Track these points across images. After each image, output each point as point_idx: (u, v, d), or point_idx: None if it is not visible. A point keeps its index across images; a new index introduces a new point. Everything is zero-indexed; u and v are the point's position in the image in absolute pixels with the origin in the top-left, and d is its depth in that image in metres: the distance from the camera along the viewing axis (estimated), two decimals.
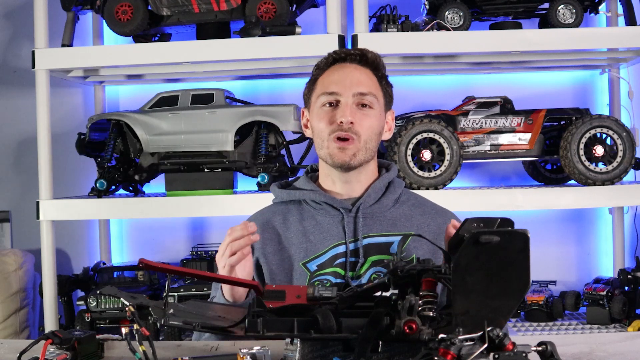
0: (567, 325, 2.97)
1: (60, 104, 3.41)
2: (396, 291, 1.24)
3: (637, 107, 3.23)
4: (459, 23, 2.82)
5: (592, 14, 2.94)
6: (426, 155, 2.78)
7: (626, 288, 2.97)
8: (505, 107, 2.88)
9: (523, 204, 2.81)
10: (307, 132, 1.99)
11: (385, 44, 2.80)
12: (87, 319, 2.99)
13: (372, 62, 1.92)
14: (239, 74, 3.28)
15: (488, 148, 2.87)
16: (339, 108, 1.86)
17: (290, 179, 2.09)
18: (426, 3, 2.89)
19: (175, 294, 2.96)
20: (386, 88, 1.94)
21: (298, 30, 2.84)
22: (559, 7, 2.81)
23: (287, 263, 1.88)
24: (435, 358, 1.03)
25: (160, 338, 2.85)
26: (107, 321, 3.00)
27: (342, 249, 1.86)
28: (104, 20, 3.00)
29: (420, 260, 1.25)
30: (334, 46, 2.76)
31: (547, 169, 3.12)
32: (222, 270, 1.72)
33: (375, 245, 1.86)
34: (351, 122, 1.84)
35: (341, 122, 1.84)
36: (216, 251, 3.14)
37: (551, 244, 3.32)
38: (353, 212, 1.88)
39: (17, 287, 3.20)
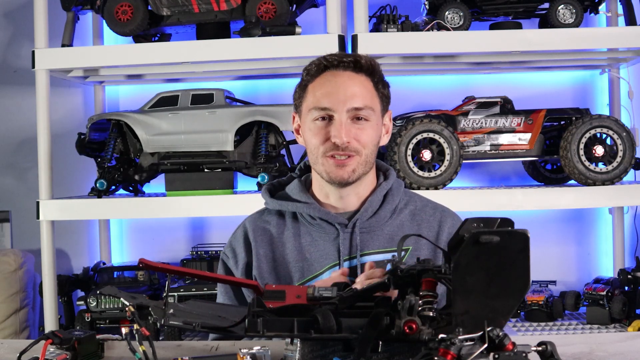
0: (567, 325, 2.97)
1: (60, 104, 3.41)
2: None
3: (637, 107, 3.23)
4: (459, 23, 2.82)
5: (592, 14, 2.94)
6: (426, 155, 2.78)
7: (626, 288, 2.97)
8: (505, 107, 2.88)
9: (523, 204, 2.81)
10: (299, 139, 1.89)
11: (385, 44, 2.80)
12: (87, 319, 2.99)
13: (367, 68, 1.79)
14: (239, 74, 3.28)
15: (488, 148, 2.87)
16: (333, 125, 1.75)
17: (283, 178, 1.99)
18: (426, 3, 2.89)
19: (175, 294, 2.96)
20: (382, 92, 1.83)
21: (298, 30, 2.84)
22: (559, 7, 2.81)
23: (284, 283, 1.80)
24: (435, 358, 1.03)
25: (160, 338, 2.86)
26: (107, 321, 3.00)
27: (337, 269, 1.77)
28: (104, 20, 3.00)
29: (420, 260, 1.25)
30: (334, 46, 2.76)
31: (547, 169, 3.12)
32: None
33: (373, 263, 1.75)
34: (347, 142, 1.74)
35: (335, 142, 1.74)
36: (216, 251, 3.20)
37: (551, 244, 3.32)
38: (349, 228, 1.81)
39: (17, 287, 3.20)
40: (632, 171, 2.95)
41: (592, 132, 2.80)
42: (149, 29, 3.02)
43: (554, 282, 3.14)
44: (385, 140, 1.88)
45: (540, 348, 1.12)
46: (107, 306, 2.98)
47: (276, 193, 1.93)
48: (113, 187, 2.99)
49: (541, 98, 3.25)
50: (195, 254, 3.21)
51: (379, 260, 1.78)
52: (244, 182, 3.19)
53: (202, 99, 2.97)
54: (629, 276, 2.96)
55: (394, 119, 2.91)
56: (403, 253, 1.80)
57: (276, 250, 1.85)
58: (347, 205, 1.85)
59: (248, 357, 1.23)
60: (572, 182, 2.96)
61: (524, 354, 1.06)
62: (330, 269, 1.79)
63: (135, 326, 1.21)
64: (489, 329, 1.05)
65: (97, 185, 2.93)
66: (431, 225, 1.87)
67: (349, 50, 2.83)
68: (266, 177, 2.83)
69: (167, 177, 3.00)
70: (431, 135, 2.78)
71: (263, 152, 2.89)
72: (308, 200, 1.84)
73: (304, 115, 1.83)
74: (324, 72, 1.80)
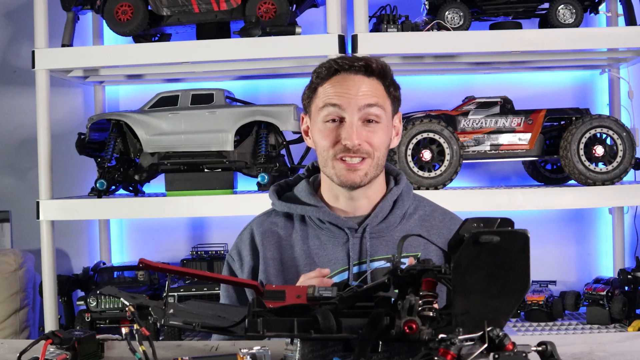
0: (567, 325, 2.97)
1: (60, 104, 3.41)
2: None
3: (637, 107, 3.23)
4: (459, 23, 2.82)
5: (592, 14, 2.94)
6: (426, 155, 2.78)
7: (626, 288, 2.97)
8: (505, 107, 2.88)
9: (523, 204, 2.81)
10: (308, 140, 1.86)
11: (385, 44, 2.80)
12: (87, 319, 2.99)
13: (379, 72, 1.78)
14: (239, 74, 3.28)
15: (488, 148, 2.87)
16: (344, 127, 1.74)
17: (290, 178, 1.98)
18: (426, 3, 2.89)
19: (175, 294, 2.96)
20: (394, 94, 1.82)
21: (298, 30, 2.84)
22: (559, 7, 2.81)
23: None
24: (435, 358, 1.03)
25: (160, 338, 2.86)
26: (107, 321, 3.00)
27: (346, 275, 1.77)
28: (104, 20, 3.00)
29: (420, 260, 1.25)
30: (334, 46, 2.76)
31: (547, 169, 3.12)
32: None
33: (381, 270, 1.75)
34: (358, 144, 1.73)
35: (346, 144, 1.72)
36: (216, 251, 3.20)
37: (551, 244, 3.32)
38: (359, 233, 1.79)
39: (17, 287, 3.20)
40: (632, 171, 2.95)
41: (592, 132, 2.80)
42: (149, 29, 3.02)
43: (554, 282, 3.14)
44: (395, 142, 1.87)
45: (540, 348, 1.12)
46: (107, 306, 2.98)
47: (283, 194, 1.91)
48: (113, 187, 2.99)
49: (541, 98, 3.25)
50: (195, 254, 3.21)
51: (387, 267, 1.73)
52: (244, 182, 3.19)
53: (202, 99, 2.97)
54: (629, 276, 2.96)
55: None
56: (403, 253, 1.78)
57: (284, 253, 1.82)
58: (357, 209, 1.83)
59: (248, 357, 1.23)
60: (572, 182, 2.96)
61: (524, 354, 1.06)
62: (339, 274, 1.77)
63: (135, 326, 1.21)
64: (489, 329, 1.05)
65: (97, 185, 2.93)
66: (441, 231, 1.85)
67: (349, 51, 2.83)
68: (266, 177, 2.83)
69: (167, 177, 3.00)
70: (431, 135, 2.78)
71: (263, 152, 2.89)
72: (317, 203, 1.82)
73: (314, 116, 1.81)
74: (334, 75, 1.78)
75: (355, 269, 1.78)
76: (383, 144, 1.78)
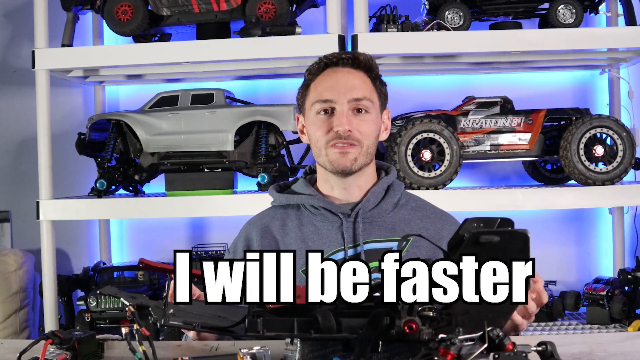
0: (567, 325, 2.97)
1: (60, 104, 3.41)
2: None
3: (637, 107, 3.23)
4: (459, 23, 2.82)
5: (592, 14, 2.94)
6: (426, 155, 2.78)
7: (626, 288, 2.97)
8: (505, 107, 2.88)
9: (523, 204, 2.81)
10: (304, 137, 1.97)
11: (385, 44, 2.80)
12: (87, 319, 2.99)
13: (365, 64, 1.89)
14: (239, 74, 3.28)
15: (488, 148, 2.87)
16: (335, 116, 1.84)
17: (289, 179, 2.07)
18: (426, 3, 2.89)
19: None
20: (380, 88, 1.92)
21: (298, 30, 2.84)
22: (559, 7, 2.81)
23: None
24: (435, 358, 1.03)
25: (160, 338, 2.85)
26: (107, 321, 3.00)
27: (341, 255, 1.84)
28: (104, 20, 3.00)
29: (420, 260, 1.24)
30: (334, 46, 2.76)
31: (547, 169, 3.12)
32: None
33: (375, 251, 1.84)
34: (349, 130, 1.83)
35: (338, 131, 1.82)
36: (216, 251, 3.20)
37: (551, 244, 3.32)
38: (352, 217, 1.87)
39: (17, 287, 3.20)
40: (632, 171, 2.95)
41: (592, 132, 2.80)
42: (149, 29, 3.02)
43: (554, 282, 3.13)
44: (384, 136, 1.97)
45: (540, 348, 1.12)
46: (107, 306, 2.98)
47: (282, 192, 2.00)
48: (113, 187, 2.99)
49: (541, 98, 3.25)
50: (195, 254, 3.21)
51: (381, 248, 1.84)
52: (244, 182, 3.19)
53: (202, 99, 2.97)
54: (629, 276, 2.96)
55: (394, 119, 2.91)
56: (405, 243, 1.84)
57: (279, 240, 1.91)
58: (350, 196, 1.92)
59: (248, 357, 1.23)
60: (572, 182, 2.96)
61: (524, 354, 1.06)
62: (333, 255, 1.84)
63: (135, 326, 1.21)
64: (489, 329, 1.05)
65: (97, 185, 2.93)
66: (433, 220, 1.93)
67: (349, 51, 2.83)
68: (266, 177, 2.83)
69: (167, 177, 3.00)
70: (431, 135, 2.78)
71: (263, 152, 2.89)
72: (312, 193, 1.92)
73: (307, 111, 1.91)
74: (324, 70, 1.90)
75: (350, 252, 1.85)
76: (372, 133, 1.88)
